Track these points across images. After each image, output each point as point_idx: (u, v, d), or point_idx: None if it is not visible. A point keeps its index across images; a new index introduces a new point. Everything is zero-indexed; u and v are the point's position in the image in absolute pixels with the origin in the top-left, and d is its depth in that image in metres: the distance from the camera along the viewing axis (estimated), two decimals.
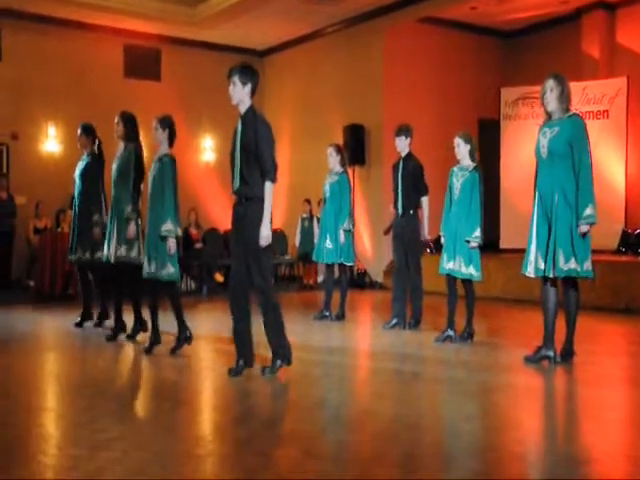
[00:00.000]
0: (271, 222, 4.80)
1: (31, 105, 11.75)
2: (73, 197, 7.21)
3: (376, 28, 11.67)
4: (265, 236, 4.72)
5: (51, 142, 11.98)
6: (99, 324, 7.25)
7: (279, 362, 4.88)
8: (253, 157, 4.75)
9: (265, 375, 4.84)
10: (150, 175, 5.82)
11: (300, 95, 13.38)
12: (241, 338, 4.92)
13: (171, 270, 5.71)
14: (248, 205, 4.79)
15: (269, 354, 4.93)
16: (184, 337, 5.82)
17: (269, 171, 4.74)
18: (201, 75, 13.13)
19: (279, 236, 12.36)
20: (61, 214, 10.67)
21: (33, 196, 11.26)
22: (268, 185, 4.74)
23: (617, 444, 3.57)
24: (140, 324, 6.49)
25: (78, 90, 12.01)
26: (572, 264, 4.98)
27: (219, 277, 11.11)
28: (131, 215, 6.21)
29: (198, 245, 11.36)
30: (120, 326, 6.54)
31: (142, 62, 12.86)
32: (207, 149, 13.57)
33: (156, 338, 5.88)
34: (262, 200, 4.74)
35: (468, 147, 6.24)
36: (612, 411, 4.12)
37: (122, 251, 6.24)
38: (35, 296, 9.63)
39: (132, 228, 6.19)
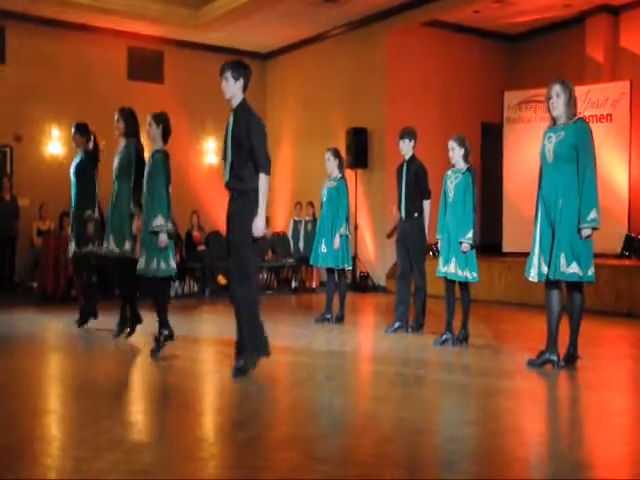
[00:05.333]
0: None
1: (35, 107, 11.79)
2: (71, 197, 7.23)
3: (379, 31, 11.68)
4: (259, 227, 4.74)
5: (54, 144, 12.01)
6: (84, 322, 7.18)
7: (244, 363, 4.87)
8: (245, 151, 4.77)
9: (233, 375, 4.85)
10: (145, 172, 5.84)
11: (303, 98, 13.39)
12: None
13: (162, 266, 5.68)
14: (240, 199, 4.82)
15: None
16: (164, 337, 5.78)
17: (263, 165, 4.77)
18: (204, 78, 13.12)
19: (282, 239, 12.35)
20: (64, 216, 10.66)
21: (36, 198, 11.31)
22: (263, 177, 4.78)
23: (620, 448, 3.55)
24: (136, 321, 6.49)
25: (81, 92, 12.05)
26: (574, 268, 4.96)
27: (222, 279, 11.10)
28: (135, 211, 6.24)
29: (201, 247, 11.36)
30: (135, 320, 6.49)
31: (145, 64, 12.90)
32: (210, 151, 13.58)
33: (169, 334, 5.86)
34: (254, 193, 4.77)
35: (462, 151, 6.23)
36: (616, 415, 4.11)
37: (125, 247, 6.29)
38: (38, 298, 9.66)
39: (136, 223, 6.22)
